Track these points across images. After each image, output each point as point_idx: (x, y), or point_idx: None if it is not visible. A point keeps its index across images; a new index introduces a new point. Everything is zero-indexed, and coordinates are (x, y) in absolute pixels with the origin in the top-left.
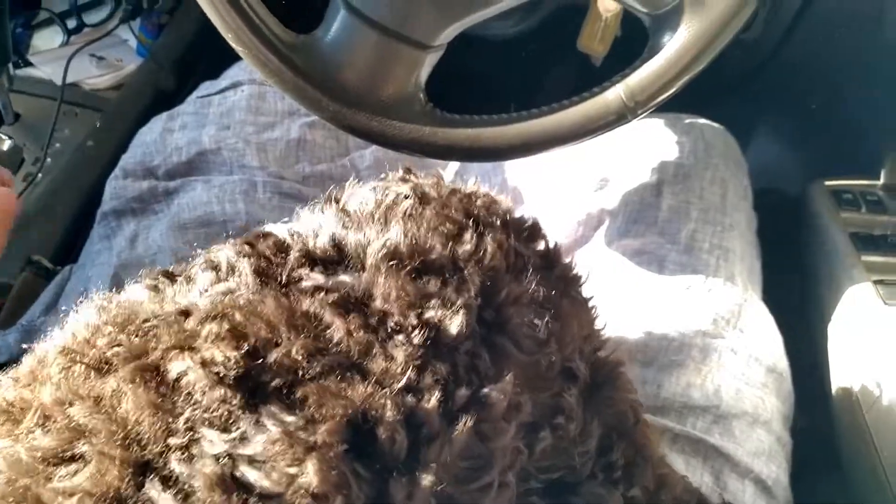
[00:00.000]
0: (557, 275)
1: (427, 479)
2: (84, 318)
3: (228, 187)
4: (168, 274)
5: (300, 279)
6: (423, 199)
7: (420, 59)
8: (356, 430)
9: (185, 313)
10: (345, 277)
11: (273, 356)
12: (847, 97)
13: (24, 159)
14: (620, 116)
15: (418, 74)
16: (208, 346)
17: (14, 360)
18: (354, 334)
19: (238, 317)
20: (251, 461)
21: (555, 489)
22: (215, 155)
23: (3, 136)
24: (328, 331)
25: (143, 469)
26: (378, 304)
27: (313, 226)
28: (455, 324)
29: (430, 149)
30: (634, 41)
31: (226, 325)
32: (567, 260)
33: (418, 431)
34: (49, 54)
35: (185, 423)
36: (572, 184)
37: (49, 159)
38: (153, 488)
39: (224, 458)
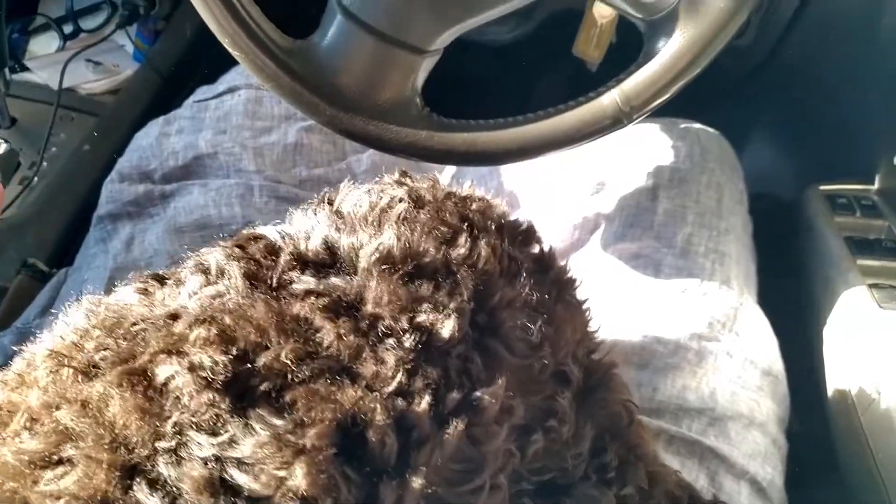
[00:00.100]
0: (552, 279)
1: (417, 483)
2: (73, 322)
3: (225, 191)
4: (158, 277)
5: (291, 282)
6: (417, 202)
7: (416, 64)
8: (346, 434)
9: (174, 317)
10: (336, 281)
11: (262, 360)
12: (841, 102)
13: (21, 163)
14: (616, 121)
15: (415, 79)
16: (196, 350)
17: (9, 362)
18: (345, 338)
19: (227, 321)
20: (240, 464)
21: (547, 490)
22: (212, 159)
23: (0, 140)
24: (318, 335)
25: (130, 472)
26: (369, 307)
27: (306, 228)
28: (447, 328)
29: (426, 153)
30: (629, 47)
31: (214, 329)
32: (562, 263)
33: (409, 435)
34: (45, 59)
35: (172, 426)
36: (568, 188)
37: (45, 163)
38: (141, 491)
39: (212, 461)
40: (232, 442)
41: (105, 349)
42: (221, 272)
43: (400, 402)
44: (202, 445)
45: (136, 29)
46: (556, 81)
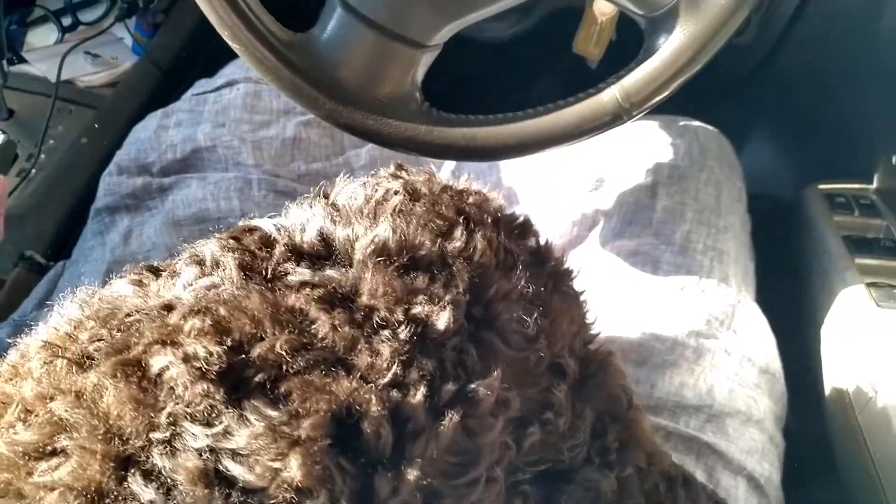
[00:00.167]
0: (548, 271)
1: (412, 474)
2: (67, 313)
3: (223, 185)
4: (153, 269)
5: (286, 274)
6: (413, 195)
7: (416, 59)
8: (340, 425)
9: (168, 308)
10: (331, 272)
11: (257, 351)
12: (840, 101)
13: (18, 155)
14: (616, 117)
15: (414, 73)
16: (191, 340)
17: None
18: (340, 329)
19: (222, 311)
20: (234, 455)
21: (550, 477)
22: (210, 152)
23: None
24: (313, 326)
25: (124, 463)
26: (364, 299)
27: (301, 220)
28: (442, 319)
29: (425, 148)
30: (629, 44)
31: (209, 320)
32: (559, 255)
33: (404, 426)
34: (44, 51)
35: (167, 417)
36: (567, 184)
37: (43, 156)
38: (135, 482)
39: (206, 452)
40: (226, 433)
41: (99, 340)
42: (216, 263)
43: (395, 393)
44: (197, 436)
45: (134, 22)
46: (555, 78)
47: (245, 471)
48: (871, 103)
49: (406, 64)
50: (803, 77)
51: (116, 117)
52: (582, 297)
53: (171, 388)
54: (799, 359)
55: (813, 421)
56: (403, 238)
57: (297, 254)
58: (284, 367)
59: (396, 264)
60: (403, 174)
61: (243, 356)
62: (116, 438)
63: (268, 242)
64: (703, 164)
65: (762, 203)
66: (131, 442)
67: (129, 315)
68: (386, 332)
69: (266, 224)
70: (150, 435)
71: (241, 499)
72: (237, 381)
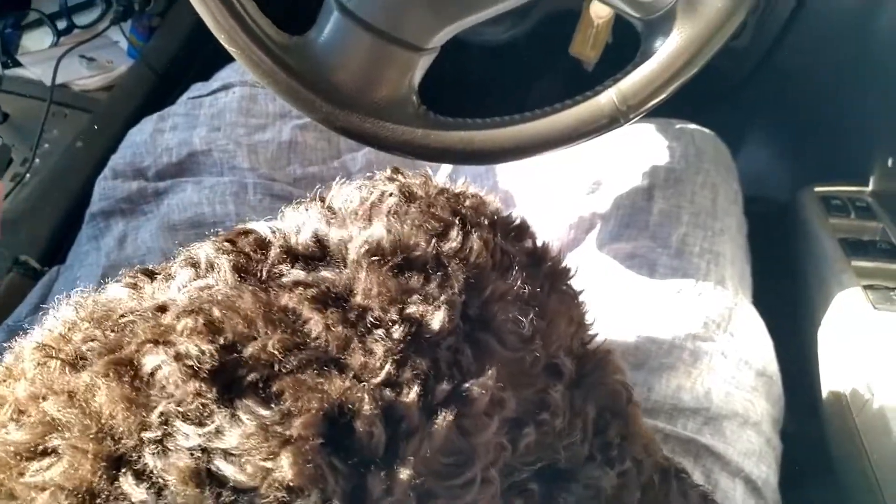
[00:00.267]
0: (545, 272)
1: (405, 474)
2: (62, 315)
3: (219, 189)
4: (148, 272)
5: (280, 275)
6: (408, 196)
7: (413, 62)
8: (333, 424)
9: (162, 309)
10: (325, 273)
11: (249, 350)
12: (836, 104)
13: (13, 159)
14: (613, 120)
15: (411, 77)
16: (183, 339)
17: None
18: (333, 329)
19: (215, 311)
20: (226, 455)
21: (552, 475)
22: (206, 156)
23: None
24: (306, 326)
25: (116, 463)
26: (358, 299)
27: (297, 222)
28: (437, 319)
29: (422, 151)
30: (625, 47)
31: (201, 319)
32: (556, 255)
33: (397, 426)
34: (39, 55)
35: (159, 416)
36: (564, 187)
37: (38, 160)
38: (126, 482)
39: (198, 451)
40: (218, 432)
41: (92, 340)
42: (211, 265)
43: (388, 392)
44: (188, 436)
45: (130, 25)
46: (552, 81)
47: (236, 470)
48: (867, 106)
49: (403, 67)
50: (799, 80)
51: (112, 121)
52: (580, 297)
53: (163, 386)
54: (796, 361)
55: (810, 423)
56: (398, 238)
57: (292, 256)
58: (277, 367)
59: (391, 264)
60: (399, 177)
61: (236, 355)
62: (108, 438)
63: (263, 245)
64: (699, 167)
65: (758, 206)
66: (123, 441)
67: (122, 316)
68: (379, 332)
69: (261, 227)
70: (142, 434)
71: (232, 498)
72: (229, 381)
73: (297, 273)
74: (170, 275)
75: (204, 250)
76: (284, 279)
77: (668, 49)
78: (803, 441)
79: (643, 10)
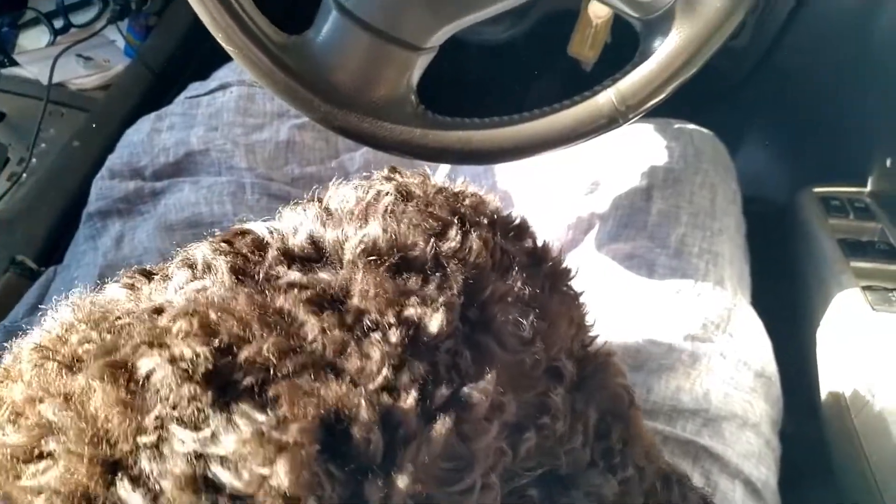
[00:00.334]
0: (546, 272)
1: (403, 481)
2: (60, 317)
3: (216, 188)
4: (145, 272)
5: (277, 277)
6: (405, 195)
7: (411, 61)
8: (330, 430)
9: (158, 311)
10: (322, 274)
11: (244, 353)
12: (835, 105)
13: (9, 159)
14: (612, 120)
15: (410, 76)
16: (178, 342)
17: None
18: (329, 332)
19: (210, 313)
20: (222, 461)
21: (553, 482)
22: (203, 156)
23: None
24: (302, 328)
25: (112, 467)
26: (355, 301)
27: (294, 223)
28: (435, 322)
29: (421, 151)
30: (624, 47)
31: (196, 322)
32: (556, 255)
33: (395, 431)
34: (35, 54)
35: (154, 420)
36: (563, 187)
37: (34, 159)
38: (122, 487)
39: (194, 457)
40: (214, 437)
41: (89, 342)
42: (208, 266)
43: (386, 397)
44: (184, 441)
45: (127, 24)
46: (551, 81)
47: (233, 477)
48: (866, 106)
49: (401, 67)
50: (798, 80)
51: (109, 120)
52: (580, 298)
53: (158, 390)
54: (794, 362)
55: (809, 424)
56: (394, 237)
57: (288, 257)
58: (272, 371)
59: (388, 264)
60: (396, 176)
61: (231, 358)
62: (104, 442)
63: (260, 246)
64: (697, 167)
65: (757, 206)
66: (119, 446)
67: (119, 318)
68: (376, 335)
69: (259, 227)
70: (138, 439)
71: None
72: (224, 384)
73: (293, 274)
74: (167, 275)
75: (201, 251)
76: (280, 280)
77: (666, 49)
78: (802, 442)
79: (642, 9)
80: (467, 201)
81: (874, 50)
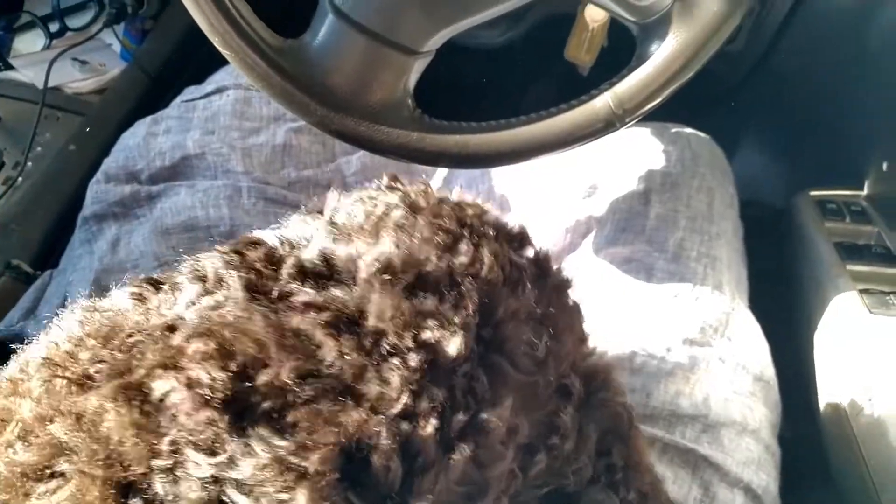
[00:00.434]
0: (550, 284)
1: None
2: (67, 328)
3: (213, 192)
4: (153, 281)
5: (291, 294)
6: (413, 208)
7: (408, 65)
8: (349, 458)
9: (171, 328)
10: (337, 292)
11: (262, 378)
12: (831, 108)
13: (5, 163)
14: (608, 124)
15: (406, 80)
16: (194, 365)
17: None
18: (347, 356)
19: (226, 334)
20: (239, 486)
21: (557, 497)
22: (200, 160)
23: None
24: (319, 351)
25: (125, 490)
26: (372, 321)
27: (303, 235)
28: (453, 346)
29: (417, 155)
30: (620, 51)
31: (213, 343)
32: (556, 266)
33: (414, 460)
34: (31, 57)
35: (169, 444)
36: (560, 191)
37: (30, 163)
38: None
39: (210, 482)
40: (231, 462)
41: (100, 361)
42: (220, 281)
43: (405, 425)
44: (200, 465)
45: (123, 28)
46: (547, 85)
47: (250, 502)
48: (863, 109)
49: (398, 70)
50: (795, 84)
51: (104, 124)
52: (579, 309)
53: (174, 414)
54: (792, 365)
55: (807, 428)
56: (408, 254)
57: (301, 272)
58: (291, 396)
59: (403, 283)
60: (399, 186)
61: (248, 383)
62: (117, 464)
63: (272, 259)
64: (695, 171)
65: (754, 210)
66: (132, 468)
67: (130, 335)
68: (395, 360)
69: (270, 237)
70: (152, 462)
71: None
72: (242, 409)
73: (308, 293)
74: (175, 286)
75: (211, 263)
76: (295, 299)
77: (663, 53)
78: (800, 446)
79: (639, 13)
80: (470, 211)
81: (871, 53)
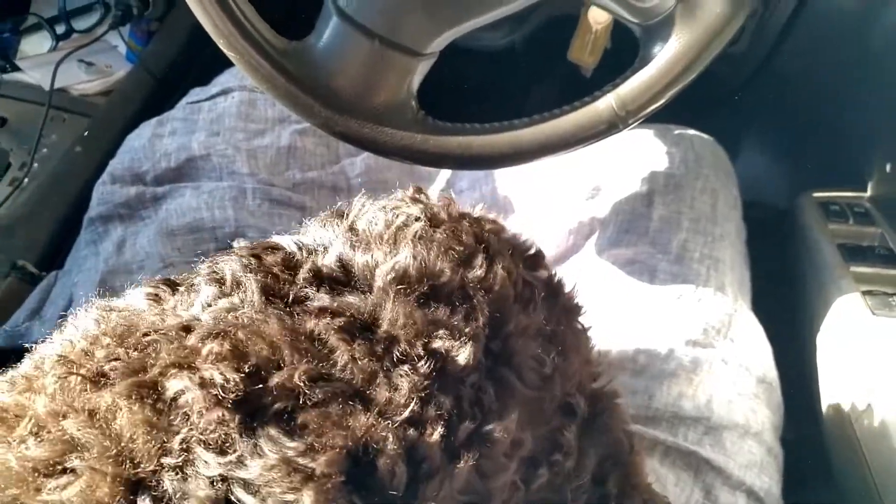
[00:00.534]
0: (561, 305)
1: None
2: (82, 327)
3: (218, 194)
4: (169, 282)
5: (307, 298)
6: (434, 221)
7: (412, 67)
8: (356, 462)
9: (187, 329)
10: (351, 299)
11: (275, 379)
12: (834, 110)
13: (11, 164)
14: (611, 126)
15: (410, 82)
16: (208, 365)
17: None
18: (359, 361)
19: (240, 336)
20: (246, 486)
21: None
22: (205, 161)
23: None
24: (332, 356)
25: (134, 487)
26: (384, 329)
27: (321, 240)
28: (463, 355)
29: (421, 156)
30: (623, 53)
31: (227, 345)
32: (568, 290)
33: (419, 466)
34: (37, 59)
35: (180, 442)
36: (564, 193)
37: (36, 164)
38: None
39: (218, 481)
40: (240, 462)
41: (115, 359)
42: (237, 283)
43: (412, 431)
44: (209, 464)
45: (129, 29)
46: (551, 86)
47: (256, 501)
48: (866, 110)
49: (402, 72)
50: (798, 85)
51: (110, 126)
52: (589, 333)
53: (186, 413)
54: (795, 367)
55: (809, 430)
56: (424, 265)
57: (318, 278)
58: (302, 399)
59: (417, 293)
60: (423, 198)
61: (260, 384)
62: (128, 461)
63: (290, 264)
64: (698, 173)
65: (757, 211)
66: (142, 465)
67: (146, 334)
68: (405, 367)
69: (288, 242)
70: (162, 459)
71: None
72: (253, 410)
73: (323, 298)
74: (192, 287)
75: (229, 265)
76: (310, 303)
77: (666, 54)
78: (802, 448)
79: (642, 15)
80: (488, 227)
81: (874, 54)
